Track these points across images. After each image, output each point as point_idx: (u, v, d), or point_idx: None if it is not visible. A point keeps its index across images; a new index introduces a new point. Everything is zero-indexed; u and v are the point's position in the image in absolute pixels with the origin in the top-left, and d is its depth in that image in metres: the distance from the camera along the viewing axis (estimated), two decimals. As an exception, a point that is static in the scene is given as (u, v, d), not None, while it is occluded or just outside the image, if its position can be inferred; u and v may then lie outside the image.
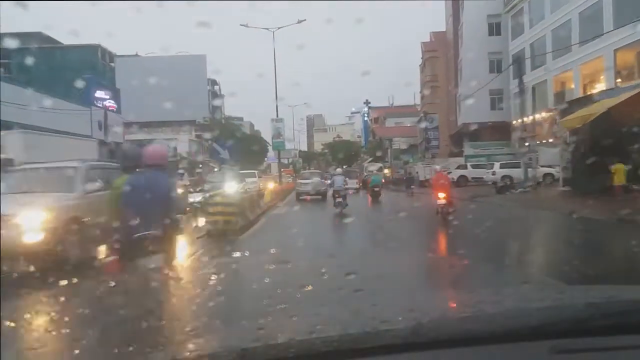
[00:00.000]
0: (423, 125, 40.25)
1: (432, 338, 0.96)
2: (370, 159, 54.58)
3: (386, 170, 36.18)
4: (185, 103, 40.74)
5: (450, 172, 23.46)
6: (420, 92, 43.85)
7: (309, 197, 20.47)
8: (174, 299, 3.76)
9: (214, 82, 67.92)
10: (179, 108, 40.53)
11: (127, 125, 39.65)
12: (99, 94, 33.29)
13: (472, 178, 23.89)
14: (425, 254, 6.37)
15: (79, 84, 25.05)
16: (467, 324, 0.98)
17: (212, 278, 4.97)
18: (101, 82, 31.93)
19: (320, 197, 20.30)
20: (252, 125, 79.04)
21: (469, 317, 1.04)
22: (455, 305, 1.25)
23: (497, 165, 21.85)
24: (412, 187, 25.41)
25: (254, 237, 9.71)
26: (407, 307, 1.27)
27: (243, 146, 44.14)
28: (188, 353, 1.01)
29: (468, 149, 30.49)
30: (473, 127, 29.49)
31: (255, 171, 22.38)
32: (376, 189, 18.98)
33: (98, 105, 30.33)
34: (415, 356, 0.94)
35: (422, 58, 42.76)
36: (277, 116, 27.85)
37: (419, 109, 45.06)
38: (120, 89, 40.77)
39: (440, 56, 37.43)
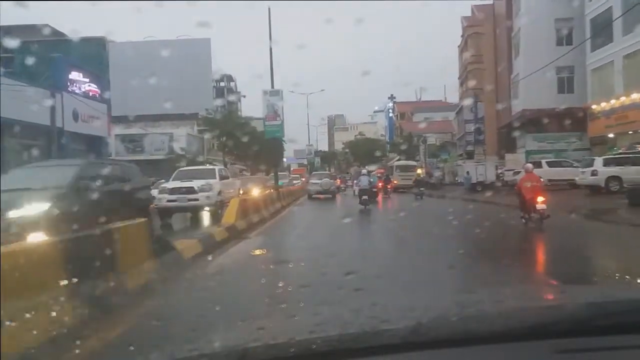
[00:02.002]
0: (464, 116, 32.73)
1: (432, 338, 0.99)
2: (397, 157, 49.87)
3: (419, 170, 32.00)
4: (187, 94, 37.36)
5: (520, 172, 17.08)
6: (459, 77, 36.86)
7: (322, 196, 22.79)
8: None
9: (229, 78, 64.89)
10: (180, 99, 36.25)
11: (121, 119, 36.45)
12: (75, 76, 28.01)
13: (551, 180, 18.98)
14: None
15: (45, 64, 22.23)
16: (467, 324, 1.02)
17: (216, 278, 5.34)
18: (78, 63, 27.54)
19: (330, 196, 23.08)
20: None
21: (469, 317, 1.07)
22: (455, 305, 1.21)
23: (598, 161, 17.38)
24: (422, 189, 22.89)
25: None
26: (407, 306, 1.31)
27: (256, 144, 39.21)
28: (187, 353, 1.03)
29: (530, 143, 23.32)
30: (535, 115, 21.94)
31: (216, 167, 16.79)
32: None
33: (76, 91, 26.00)
34: (415, 356, 0.98)
35: (462, 37, 35.78)
36: (273, 87, 21.06)
37: (459, 98, 37.73)
38: (114, 79, 36.69)
39: (486, 32, 30.01)
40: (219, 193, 12.40)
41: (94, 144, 25.86)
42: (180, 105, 40.39)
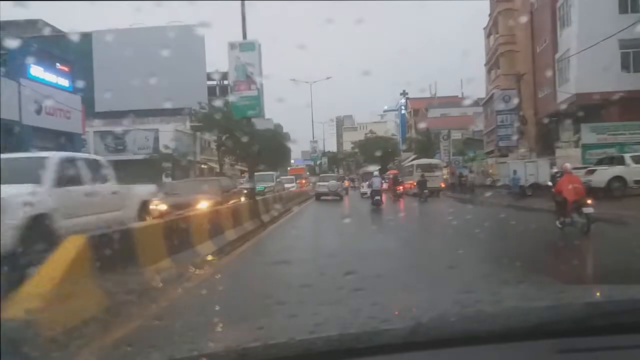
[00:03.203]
0: (495, 106, 27.75)
1: (432, 338, 1.04)
2: (412, 156, 45.96)
3: (443, 171, 30.03)
4: (179, 87, 33.13)
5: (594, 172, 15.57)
6: (486, 63, 32.02)
7: (329, 197, 23.69)
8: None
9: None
10: (171, 93, 31.33)
11: (107, 115, 33.01)
12: (39, 62, 22.80)
13: (636, 181, 15.25)
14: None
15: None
16: (467, 324, 1.06)
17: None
18: (43, 49, 23.29)
19: (338, 198, 23.79)
20: (279, 126, 65.96)
21: (469, 316, 1.12)
22: (455, 304, 1.26)
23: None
24: (425, 191, 21.63)
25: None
26: (407, 306, 1.37)
27: (258, 143, 33.72)
28: (187, 353, 1.08)
29: (587, 135, 17.87)
30: (592, 101, 16.61)
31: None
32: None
33: (43, 82, 21.75)
34: (415, 356, 1.02)
35: (489, 16, 30.92)
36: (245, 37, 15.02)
37: (487, 87, 32.80)
38: (99, 70, 33.99)
39: (520, 7, 24.91)
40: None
41: (65, 142, 22.52)
42: (172, 100, 35.66)
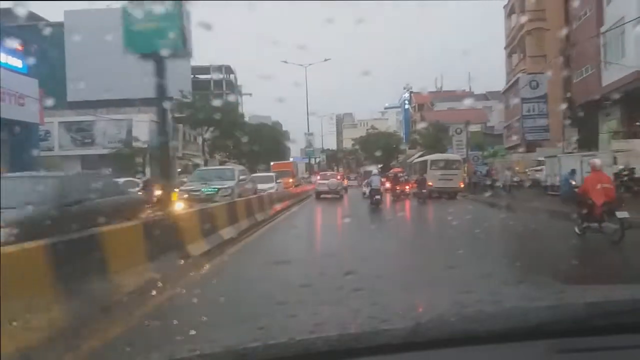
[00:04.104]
0: (521, 94, 23.78)
1: (432, 338, 1.03)
2: (418, 153, 41.52)
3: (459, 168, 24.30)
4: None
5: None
6: (506, 46, 28.13)
7: (329, 196, 22.97)
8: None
9: (228, 70, 57.03)
10: (150, 81, 24.41)
11: (79, 105, 28.71)
12: None
13: None
14: None
15: None
16: (467, 324, 1.05)
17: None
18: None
19: (338, 196, 23.14)
20: (277, 124, 66.28)
21: (468, 316, 1.11)
22: (454, 304, 1.24)
23: None
24: (424, 191, 19.31)
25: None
26: (407, 306, 1.35)
27: (249, 137, 33.37)
28: (187, 353, 1.07)
29: None
30: None
31: None
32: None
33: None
34: (415, 356, 1.01)
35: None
36: None
37: (508, 74, 28.81)
38: (71, 57, 30.45)
39: None
40: None
41: (21, 133, 19.11)
42: (151, 89, 30.49)
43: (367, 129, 68.79)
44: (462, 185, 24.05)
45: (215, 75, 49.04)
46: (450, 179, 22.92)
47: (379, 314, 1.18)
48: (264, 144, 36.54)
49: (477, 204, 19.26)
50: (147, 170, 26.33)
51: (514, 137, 30.23)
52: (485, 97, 55.32)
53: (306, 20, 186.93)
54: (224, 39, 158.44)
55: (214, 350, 1.04)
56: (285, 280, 5.15)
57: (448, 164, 23.91)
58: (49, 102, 22.32)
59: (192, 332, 2.14)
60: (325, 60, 44.75)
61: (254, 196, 13.56)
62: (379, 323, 1.06)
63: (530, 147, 26.69)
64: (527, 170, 24.00)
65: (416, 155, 42.19)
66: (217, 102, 32.62)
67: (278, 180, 23.39)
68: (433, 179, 22.60)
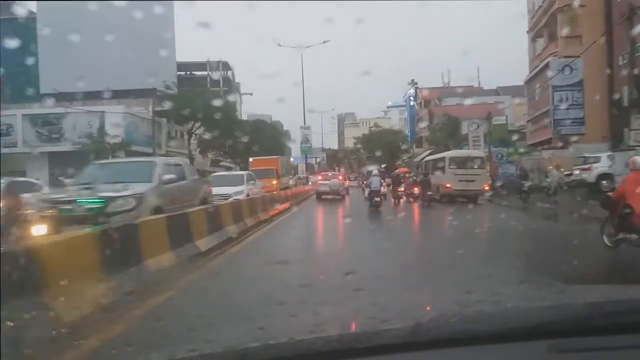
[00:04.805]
0: (553, 81, 20.31)
1: (432, 338, 1.02)
2: (427, 150, 38.69)
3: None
4: (142, 65, 26.95)
5: None
6: (530, 30, 25.08)
7: (330, 196, 22.27)
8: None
9: (225, 66, 53.90)
10: (131, 73, 26.88)
11: (54, 97, 24.69)
12: None
13: None
14: None
15: None
16: (467, 324, 1.05)
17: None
18: None
19: (339, 197, 22.51)
20: (278, 123, 61.77)
21: (469, 317, 1.10)
22: (454, 305, 1.25)
23: None
24: (429, 193, 17.08)
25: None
26: (407, 306, 1.34)
27: (250, 136, 29.75)
28: (187, 353, 1.07)
29: None
30: None
31: None
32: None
33: None
34: (415, 356, 1.01)
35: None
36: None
37: (532, 60, 25.23)
38: (45, 45, 27.37)
39: None
40: None
41: None
42: (132, 80, 27.77)
43: (370, 127, 65.47)
44: (487, 188, 19.89)
45: (216, 76, 46.41)
46: (473, 180, 18.94)
47: (379, 314, 1.19)
48: (261, 143, 33.11)
49: (518, 213, 14.76)
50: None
51: (538, 132, 26.67)
52: (496, 92, 51.98)
53: (306, 20, 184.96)
54: (223, 39, 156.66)
55: (214, 350, 1.03)
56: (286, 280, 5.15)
57: (470, 162, 19.93)
58: (8, 91, 19.10)
59: (192, 332, 2.04)
60: (324, 42, 38.36)
61: (195, 209, 7.97)
62: (379, 323, 1.06)
63: (565, 142, 21.92)
64: (573, 169, 19.55)
65: (426, 153, 38.74)
66: (206, 94, 29.35)
67: (251, 182, 16.27)
68: (452, 180, 19.01)
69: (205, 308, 3.77)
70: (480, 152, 22.71)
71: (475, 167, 20.55)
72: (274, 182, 22.60)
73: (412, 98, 64.46)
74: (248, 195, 14.16)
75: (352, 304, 1.70)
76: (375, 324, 1.05)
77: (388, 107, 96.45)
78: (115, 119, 24.84)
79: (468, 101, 39.11)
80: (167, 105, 26.68)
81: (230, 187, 14.34)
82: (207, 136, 30.80)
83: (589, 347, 0.96)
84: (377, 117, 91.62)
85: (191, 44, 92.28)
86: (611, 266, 6.47)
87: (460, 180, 19.43)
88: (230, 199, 12.18)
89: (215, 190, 12.66)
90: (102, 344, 2.86)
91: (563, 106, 22.31)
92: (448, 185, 18.94)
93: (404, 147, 55.68)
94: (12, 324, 2.75)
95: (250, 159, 27.45)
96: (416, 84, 64.31)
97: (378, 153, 43.94)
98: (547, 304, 1.16)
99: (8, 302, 2.88)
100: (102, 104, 27.35)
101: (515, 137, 29.05)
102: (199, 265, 6.14)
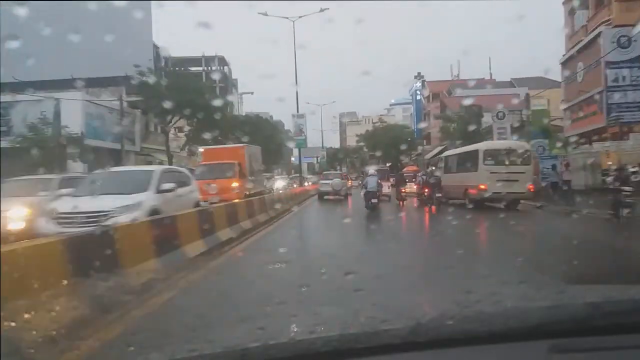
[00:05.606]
0: (609, 56, 15.77)
1: (432, 338, 1.02)
2: (440, 147, 35.88)
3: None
4: (111, 52, 23.00)
5: None
6: (565, 1, 20.10)
7: (332, 197, 22.27)
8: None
9: (221, 61, 51.51)
10: (102, 58, 22.73)
11: (11, 87, 20.46)
12: None
13: None
14: None
15: None
16: (467, 324, 1.05)
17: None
18: None
19: (342, 197, 22.37)
20: (280, 123, 58.68)
21: (469, 317, 1.10)
22: (454, 305, 1.24)
23: None
24: (438, 195, 15.44)
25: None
26: (407, 306, 1.34)
27: (246, 133, 26.03)
28: (187, 353, 1.07)
29: None
30: None
31: None
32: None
33: None
34: (415, 356, 1.01)
35: None
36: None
37: (569, 36, 20.52)
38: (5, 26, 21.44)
39: None
40: None
41: None
42: (102, 66, 23.74)
43: (374, 123, 61.47)
44: (532, 190, 15.58)
45: (213, 73, 43.60)
46: (516, 180, 14.89)
47: (379, 314, 1.19)
48: (258, 140, 29.21)
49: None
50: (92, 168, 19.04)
51: (582, 121, 22.34)
52: (510, 84, 48.27)
53: (306, 20, 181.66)
54: (223, 39, 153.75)
55: (214, 350, 1.04)
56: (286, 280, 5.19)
57: (512, 157, 15.60)
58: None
59: (192, 332, 2.03)
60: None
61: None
62: (379, 323, 1.07)
63: (615, 133, 18.18)
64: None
65: (438, 149, 34.56)
66: (190, 84, 25.29)
67: (169, 185, 8.46)
68: (488, 180, 14.69)
69: (205, 308, 3.79)
70: (524, 144, 17.68)
71: (519, 162, 15.85)
72: (234, 183, 15.18)
73: (418, 92, 60.76)
74: (157, 212, 7.39)
75: (352, 304, 1.80)
76: (375, 324, 1.06)
77: (391, 105, 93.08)
78: (73, 108, 20.41)
79: (483, 92, 35.19)
80: (141, 94, 22.69)
81: (113, 198, 7.44)
82: (194, 130, 26.99)
83: (589, 347, 0.97)
84: (380, 115, 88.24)
85: (191, 44, 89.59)
86: None
87: (499, 180, 14.64)
88: (107, 221, 6.32)
89: (80, 204, 7.24)
90: (102, 345, 2.88)
91: (620, 87, 18.62)
92: (483, 186, 14.65)
93: (412, 143, 51.78)
94: (13, 324, 2.82)
95: (200, 149, 20.49)
96: (423, 77, 60.45)
97: (386, 150, 41.36)
98: (547, 304, 1.17)
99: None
100: (72, 91, 23.40)
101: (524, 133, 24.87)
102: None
